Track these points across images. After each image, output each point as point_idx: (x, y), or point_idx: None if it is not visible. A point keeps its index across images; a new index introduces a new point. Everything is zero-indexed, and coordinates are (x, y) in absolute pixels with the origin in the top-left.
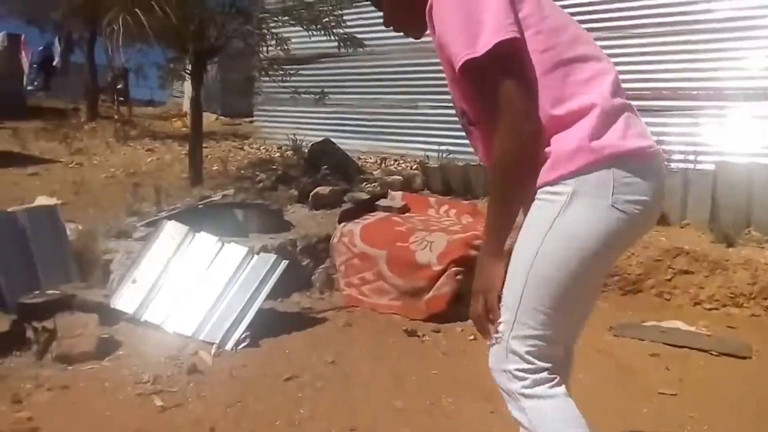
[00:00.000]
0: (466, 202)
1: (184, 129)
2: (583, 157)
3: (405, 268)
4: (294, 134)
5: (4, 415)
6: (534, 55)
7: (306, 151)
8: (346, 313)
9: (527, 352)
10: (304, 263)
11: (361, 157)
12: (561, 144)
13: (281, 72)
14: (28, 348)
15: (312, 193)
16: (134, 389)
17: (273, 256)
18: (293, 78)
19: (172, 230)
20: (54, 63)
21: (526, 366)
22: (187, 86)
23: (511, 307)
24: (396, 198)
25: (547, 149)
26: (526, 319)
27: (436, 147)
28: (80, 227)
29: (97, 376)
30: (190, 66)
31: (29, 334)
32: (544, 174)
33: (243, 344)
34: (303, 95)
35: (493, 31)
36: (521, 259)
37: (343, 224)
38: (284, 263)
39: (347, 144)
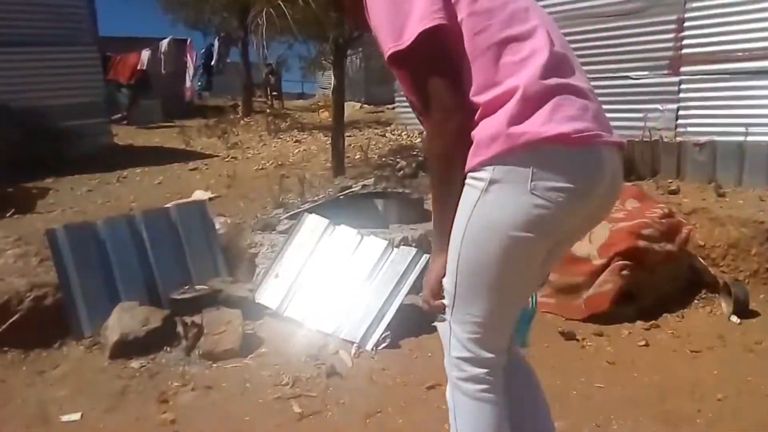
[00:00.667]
0: (630, 184)
1: (330, 119)
2: (499, 143)
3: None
4: None
5: (151, 417)
6: (468, 39)
7: None
8: None
9: (468, 339)
10: None
11: None
12: (482, 130)
13: None
14: (178, 343)
15: None
16: (274, 392)
17: (413, 250)
18: None
19: (312, 223)
20: (212, 63)
21: (466, 355)
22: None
23: (450, 291)
24: None
25: (473, 134)
26: (464, 304)
27: None
28: (229, 221)
29: (239, 375)
30: (331, 56)
31: (179, 329)
32: (469, 160)
33: (383, 344)
34: None
35: (419, 20)
36: (453, 244)
37: None
38: (425, 257)
39: None
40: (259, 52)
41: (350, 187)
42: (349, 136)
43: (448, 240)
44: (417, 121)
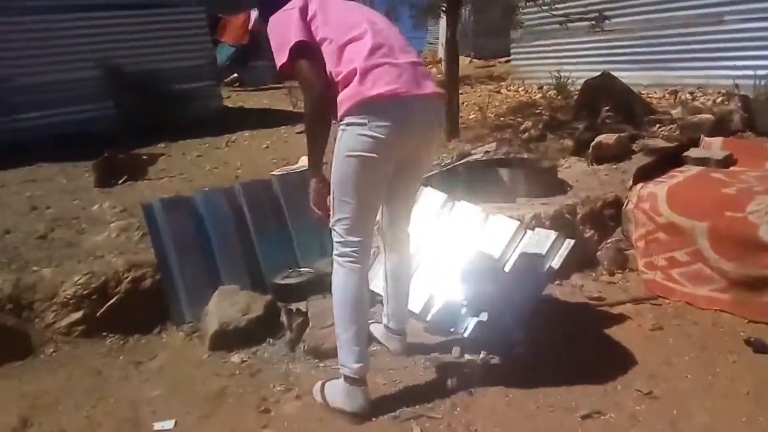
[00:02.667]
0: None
1: (439, 76)
2: (347, 103)
3: (738, 248)
4: (558, 71)
5: (249, 431)
6: (324, 47)
7: (573, 89)
8: (651, 308)
9: (341, 229)
10: (587, 235)
11: (643, 92)
12: (341, 96)
13: None
14: (282, 335)
15: (593, 144)
16: (389, 406)
17: (552, 234)
18: (560, 4)
19: (428, 198)
20: None
21: (339, 239)
22: (442, 31)
23: (331, 201)
24: (713, 146)
25: (338, 98)
26: (337, 207)
27: (750, 72)
28: None
29: None
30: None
31: (283, 318)
32: (338, 114)
33: (518, 350)
34: (573, 23)
35: (293, 38)
36: (332, 170)
37: (640, 185)
38: (568, 243)
39: (624, 77)
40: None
41: (469, 153)
42: (461, 93)
43: (317, 167)
44: (537, 74)
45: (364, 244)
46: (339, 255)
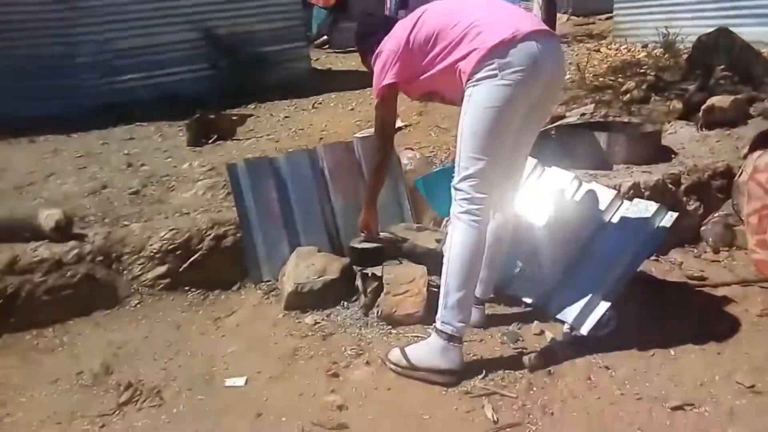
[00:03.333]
0: None
1: None
2: (473, 59)
3: None
4: (666, 27)
5: (317, 395)
6: (432, 42)
7: (683, 48)
8: (760, 291)
9: (468, 186)
10: (691, 207)
11: (764, 50)
12: (461, 61)
13: None
14: (356, 299)
15: (704, 107)
16: (462, 384)
17: (653, 206)
18: None
19: None
20: None
21: (465, 196)
22: None
23: (457, 161)
24: None
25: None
26: (467, 164)
27: None
28: (417, 155)
29: None
30: None
31: (358, 282)
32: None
33: (605, 329)
34: None
35: (386, 78)
36: (460, 125)
37: (758, 153)
38: (672, 217)
39: (743, 34)
40: None
41: (563, 116)
42: None
43: (373, 203)
44: (642, 31)
45: (488, 201)
46: (464, 212)
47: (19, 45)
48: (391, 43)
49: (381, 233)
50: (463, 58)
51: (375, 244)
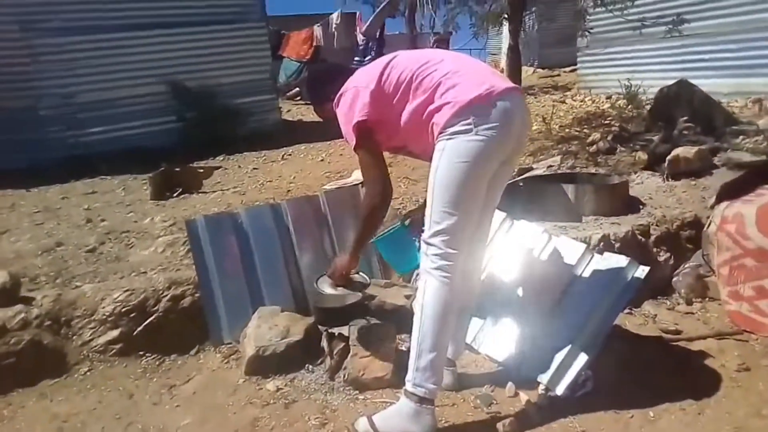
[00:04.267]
0: None
1: None
2: (447, 112)
3: None
4: (628, 79)
5: None
6: (402, 87)
7: (645, 99)
8: (735, 344)
9: (440, 241)
10: (661, 258)
11: (722, 101)
12: (435, 113)
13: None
14: (321, 361)
15: (669, 158)
16: None
17: (625, 260)
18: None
19: None
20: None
21: (436, 251)
22: (504, 40)
23: (428, 214)
24: None
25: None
26: (439, 219)
27: None
28: None
29: None
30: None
31: (323, 343)
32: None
33: (582, 390)
34: (647, 28)
35: (357, 116)
36: (430, 180)
37: (725, 203)
38: (644, 271)
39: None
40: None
41: (531, 167)
42: None
43: (358, 251)
44: (605, 83)
45: (459, 257)
46: (435, 268)
47: None
48: (360, 80)
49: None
50: (438, 110)
51: (340, 303)
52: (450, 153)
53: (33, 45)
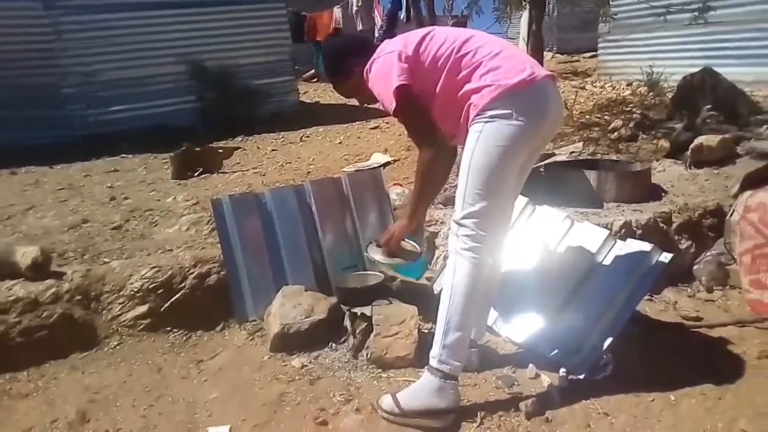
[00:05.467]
0: None
1: None
2: (487, 95)
3: None
4: (650, 66)
5: None
6: (439, 64)
7: (667, 86)
8: (757, 332)
9: (470, 223)
10: (683, 246)
11: (745, 89)
12: (474, 93)
13: None
14: (345, 340)
15: (693, 146)
16: (453, 429)
17: (648, 246)
18: None
19: None
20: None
21: (468, 233)
22: (523, 26)
23: (460, 194)
24: None
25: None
26: (471, 201)
27: None
28: (406, 191)
29: None
30: None
31: (346, 322)
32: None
33: (603, 373)
34: (671, 15)
35: (396, 81)
36: (464, 161)
37: (748, 192)
38: (666, 258)
39: (726, 74)
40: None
41: (552, 153)
42: None
43: (414, 218)
44: (626, 69)
45: (491, 239)
46: (466, 249)
47: (5, 76)
48: (396, 46)
49: (368, 271)
50: (476, 91)
51: (363, 284)
52: (488, 136)
53: (57, 23)
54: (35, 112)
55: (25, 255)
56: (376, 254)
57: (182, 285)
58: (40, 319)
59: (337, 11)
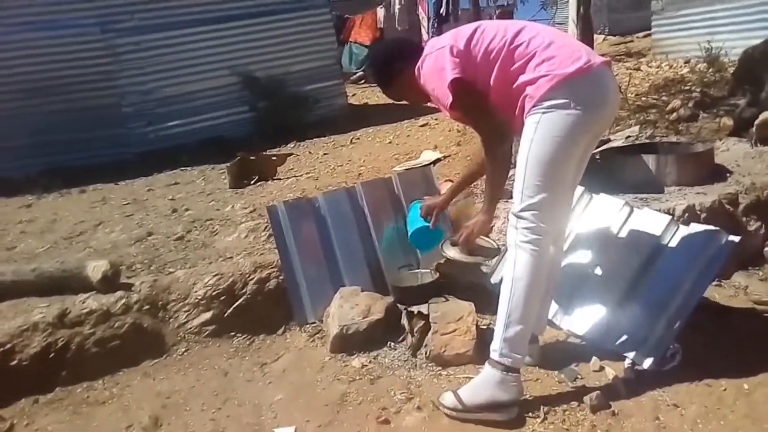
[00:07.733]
0: None
1: None
2: (544, 85)
3: None
4: (708, 41)
5: None
6: (492, 55)
7: (728, 61)
8: None
9: (531, 214)
10: (752, 228)
11: None
12: (530, 84)
13: None
14: (403, 339)
15: (758, 122)
16: (516, 424)
17: (712, 230)
18: None
19: None
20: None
21: (529, 225)
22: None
23: (518, 188)
24: None
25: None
26: (531, 193)
27: None
28: None
29: None
30: None
31: (404, 321)
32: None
33: (670, 364)
34: None
35: (450, 75)
36: (521, 152)
37: None
38: (732, 241)
39: None
40: None
41: (608, 139)
42: None
43: (493, 207)
44: (683, 47)
45: (551, 231)
46: (526, 242)
47: (71, 99)
48: (447, 41)
49: (422, 270)
50: (532, 82)
51: (418, 282)
52: (546, 126)
53: (113, 45)
54: (98, 132)
55: (95, 269)
56: (453, 252)
57: (243, 291)
58: (112, 330)
59: (380, 11)
